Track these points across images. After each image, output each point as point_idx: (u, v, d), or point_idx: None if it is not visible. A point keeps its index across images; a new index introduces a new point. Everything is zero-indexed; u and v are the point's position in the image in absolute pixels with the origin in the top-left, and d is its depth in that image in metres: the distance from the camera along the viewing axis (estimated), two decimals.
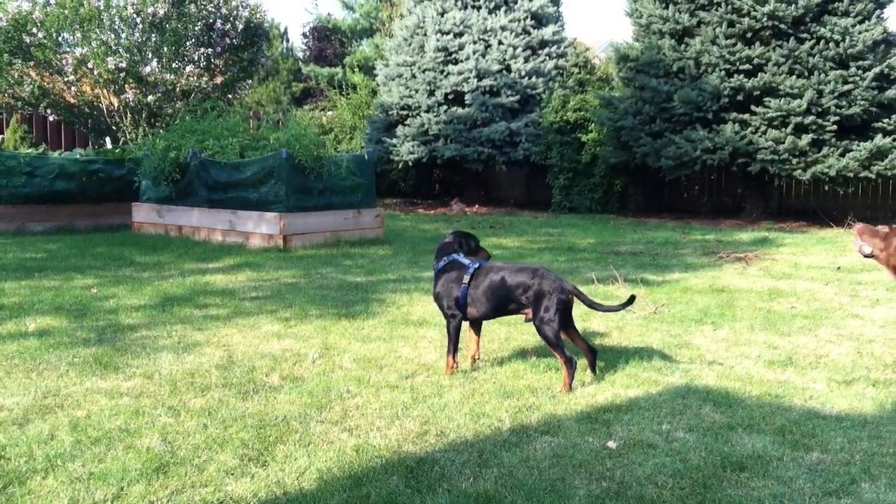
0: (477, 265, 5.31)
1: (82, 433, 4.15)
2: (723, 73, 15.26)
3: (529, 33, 19.25)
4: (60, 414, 4.45)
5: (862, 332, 6.54)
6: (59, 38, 17.33)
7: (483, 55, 18.77)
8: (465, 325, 5.45)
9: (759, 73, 14.95)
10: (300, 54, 32.51)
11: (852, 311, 7.31)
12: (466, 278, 5.24)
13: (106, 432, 4.18)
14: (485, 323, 5.59)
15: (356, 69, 27.40)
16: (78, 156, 14.16)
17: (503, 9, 19.25)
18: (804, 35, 14.92)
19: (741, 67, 15.15)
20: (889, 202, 16.79)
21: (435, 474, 3.71)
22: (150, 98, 17.55)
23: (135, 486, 3.56)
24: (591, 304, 5.18)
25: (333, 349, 5.89)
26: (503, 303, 5.20)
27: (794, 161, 14.79)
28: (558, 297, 4.98)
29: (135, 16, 16.98)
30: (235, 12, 18.56)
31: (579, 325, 6.10)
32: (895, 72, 14.97)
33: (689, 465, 3.82)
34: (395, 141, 19.46)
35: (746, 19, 15.01)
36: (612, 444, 4.06)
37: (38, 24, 16.64)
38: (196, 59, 18.58)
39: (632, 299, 5.24)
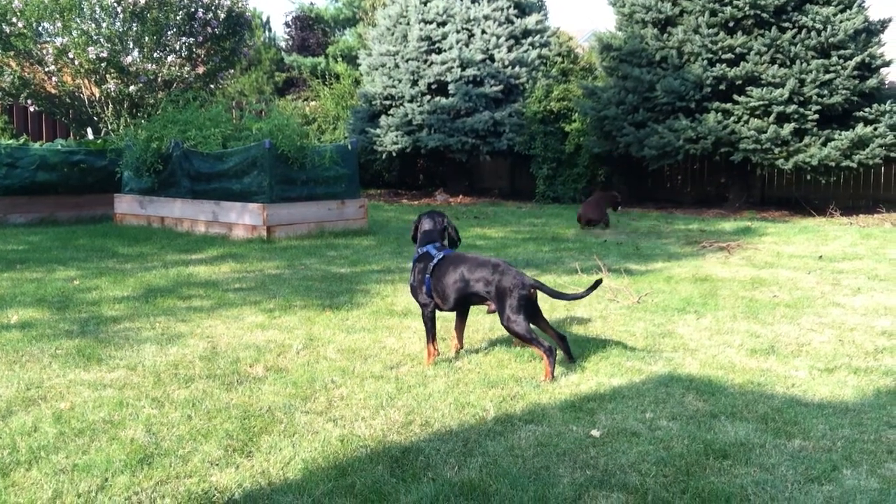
0: (441, 256, 5.31)
1: (66, 425, 4.14)
2: (705, 62, 15.30)
3: (513, 22, 19.23)
4: (44, 406, 4.44)
5: (843, 320, 6.59)
6: (40, 28, 17.15)
7: (466, 44, 18.74)
8: (451, 316, 5.46)
9: (742, 63, 15.00)
10: (283, 44, 32.34)
11: (834, 300, 7.36)
12: (430, 269, 5.26)
13: (90, 424, 4.17)
14: (469, 313, 5.59)
15: (339, 59, 27.30)
16: (59, 147, 14.07)
17: None
18: (786, 24, 14.97)
19: (723, 57, 15.19)
20: (870, 191, 16.90)
21: (420, 463, 3.72)
22: (131, 88, 17.41)
23: (119, 478, 3.56)
24: (555, 295, 5.19)
25: (318, 340, 5.89)
26: (465, 296, 5.23)
27: (777, 150, 14.86)
28: (520, 294, 4.99)
29: (115, 5, 16.83)
30: (217, 1, 18.43)
31: (562, 315, 6.11)
32: (876, 61, 15.07)
33: (673, 452, 3.85)
34: (378, 131, 19.42)
35: (729, 8, 15.05)
36: (595, 433, 4.08)
37: (18, 14, 16.48)
38: (178, 48, 18.44)
39: (597, 284, 5.27)
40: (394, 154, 19.59)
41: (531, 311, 5.09)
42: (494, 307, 5.11)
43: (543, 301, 5.70)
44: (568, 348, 5.27)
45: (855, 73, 14.73)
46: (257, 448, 3.90)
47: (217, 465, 3.71)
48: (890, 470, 3.69)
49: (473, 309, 5.64)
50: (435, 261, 5.30)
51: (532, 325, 5.09)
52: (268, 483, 3.54)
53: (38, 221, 13.18)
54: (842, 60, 14.67)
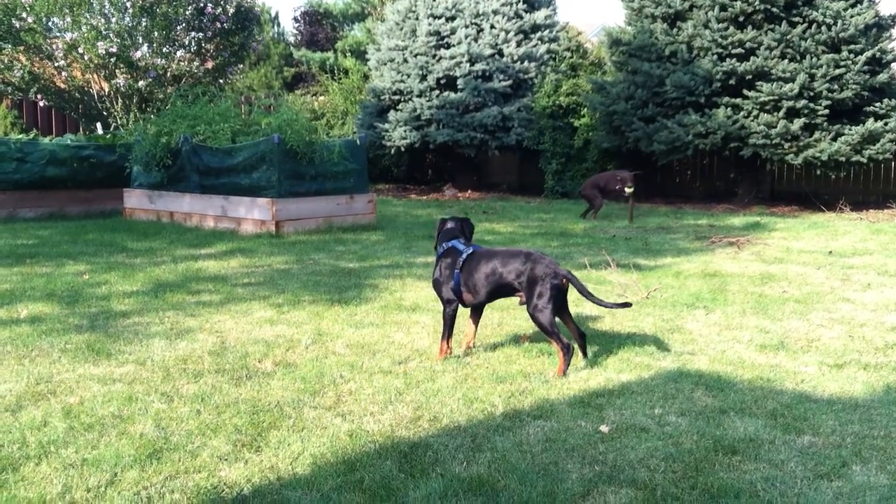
0: (470, 251, 5.31)
1: (75, 419, 4.15)
2: (715, 57, 15.24)
3: (521, 17, 19.18)
4: (53, 400, 4.45)
5: (853, 316, 6.57)
6: (49, 23, 17.19)
7: (475, 39, 18.70)
8: (465, 311, 5.45)
9: (752, 57, 14.93)
10: (291, 39, 32.35)
11: (843, 296, 7.33)
12: (459, 264, 5.25)
13: (99, 418, 4.18)
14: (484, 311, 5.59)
15: (348, 54, 27.29)
16: (69, 141, 14.10)
17: None
18: (796, 18, 14.90)
19: (733, 51, 15.13)
20: (881, 186, 16.83)
21: (428, 459, 3.73)
22: (140, 83, 17.45)
23: (128, 472, 3.57)
24: (585, 293, 5.12)
25: (326, 335, 5.89)
26: (497, 288, 5.21)
27: (787, 145, 14.80)
28: (552, 283, 4.97)
29: (125, 0, 16.87)
30: None
31: (572, 309, 6.11)
32: (887, 56, 15.00)
33: (682, 448, 3.84)
34: (387, 126, 19.41)
35: (738, 3, 14.99)
36: (604, 428, 4.08)
37: (28, 9, 16.51)
38: (187, 43, 18.46)
39: (627, 304, 5.27)
40: (402, 149, 19.58)
41: (560, 302, 5.06)
42: (526, 299, 5.10)
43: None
44: (584, 346, 5.26)
45: (865, 67, 14.66)
46: (266, 443, 3.91)
47: (226, 459, 3.72)
48: None
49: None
50: (464, 255, 5.29)
51: (557, 318, 5.08)
52: (276, 478, 3.55)
53: (48, 216, 13.21)
54: (852, 55, 14.60)
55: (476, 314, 5.49)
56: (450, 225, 5.59)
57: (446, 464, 3.68)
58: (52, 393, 4.57)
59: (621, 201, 14.92)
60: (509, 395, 4.58)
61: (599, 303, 5.21)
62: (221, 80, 19.66)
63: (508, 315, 6.41)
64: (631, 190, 13.26)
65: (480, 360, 5.27)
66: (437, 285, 5.41)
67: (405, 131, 19.07)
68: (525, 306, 5.13)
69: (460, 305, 5.35)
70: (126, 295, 7.20)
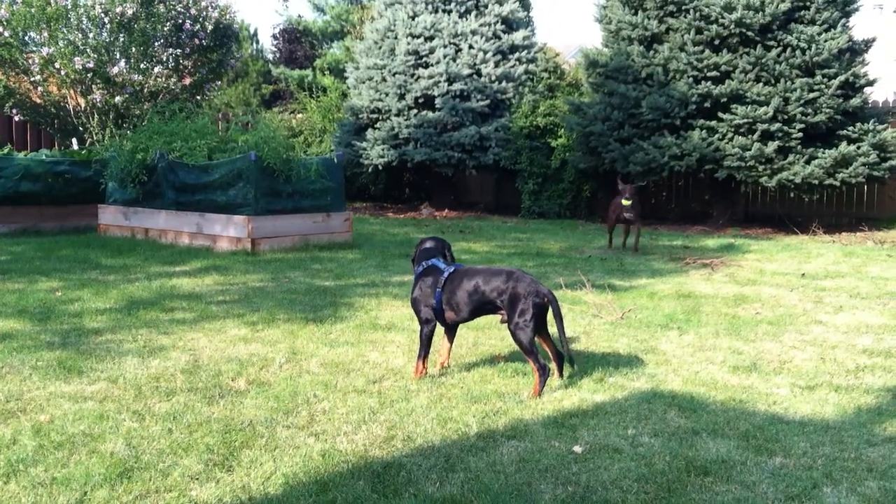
0: (452, 269, 5.32)
1: (45, 438, 4.11)
2: (690, 79, 15.38)
3: (500, 38, 19.29)
4: (23, 418, 4.40)
5: (825, 338, 6.62)
6: (26, 37, 17.10)
7: (454, 59, 18.78)
8: (440, 330, 5.45)
9: (727, 80, 15.09)
10: (270, 56, 32.35)
11: (816, 318, 7.39)
12: (441, 283, 5.25)
13: (69, 437, 4.14)
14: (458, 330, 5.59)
15: (326, 72, 27.32)
16: (44, 156, 14.00)
17: (474, 13, 19.26)
18: (771, 42, 15.08)
19: (709, 74, 15.28)
20: (853, 209, 17.01)
21: (401, 479, 3.72)
22: (117, 99, 17.37)
23: (98, 491, 3.53)
24: (559, 320, 5.07)
25: (301, 354, 5.87)
26: (480, 306, 5.21)
27: (761, 168, 14.94)
28: (534, 301, 4.98)
29: (103, 15, 16.79)
30: (205, 13, 18.41)
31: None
32: (860, 80, 15.18)
33: (654, 469, 3.85)
34: (364, 144, 19.42)
35: (714, 26, 15.15)
36: (577, 449, 4.09)
37: (4, 23, 16.42)
38: (164, 59, 18.41)
39: (571, 362, 5.27)
40: (380, 167, 19.58)
41: (540, 321, 5.08)
42: (507, 317, 5.11)
43: None
44: (561, 366, 5.26)
45: (839, 91, 14.84)
46: (238, 462, 3.88)
47: (197, 479, 3.69)
48: (869, 488, 3.71)
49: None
50: (446, 273, 5.29)
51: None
52: (248, 498, 3.52)
53: (21, 231, 13.10)
54: (826, 79, 14.77)
55: (451, 332, 5.49)
56: (429, 244, 5.59)
57: (419, 484, 3.67)
58: (21, 410, 4.53)
59: (597, 220, 14.81)
60: (483, 415, 4.58)
61: (562, 335, 5.12)
62: (199, 97, 19.60)
63: (484, 335, 6.42)
64: (629, 203, 11.51)
65: (455, 379, 5.26)
66: (416, 304, 5.39)
67: (383, 150, 19.09)
68: (506, 324, 5.14)
69: (438, 324, 5.36)
70: (99, 312, 7.14)
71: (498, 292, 5.09)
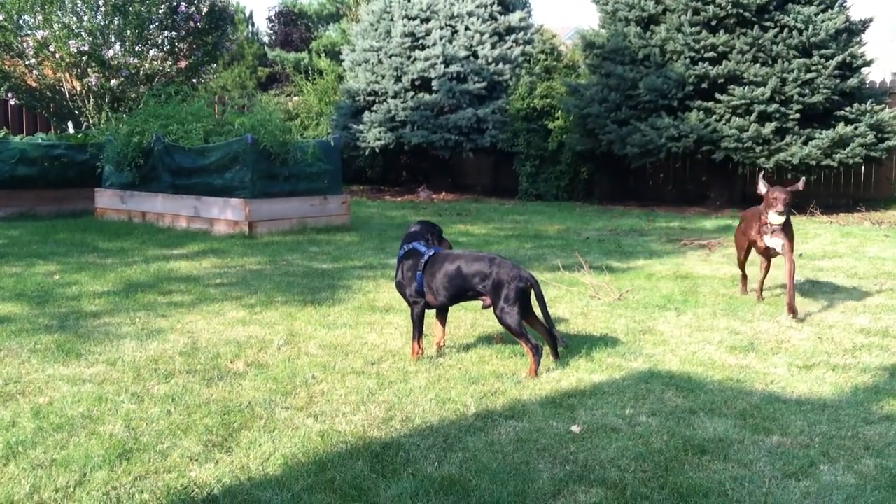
0: (432, 252, 5.32)
1: (44, 420, 4.12)
2: (688, 60, 15.33)
3: (496, 19, 19.20)
4: (22, 401, 4.41)
5: (822, 317, 6.64)
6: (20, 21, 17.02)
7: (450, 41, 18.71)
8: (431, 312, 5.46)
9: (724, 61, 15.04)
10: (266, 39, 32.20)
11: (813, 297, 7.40)
12: (421, 266, 5.26)
13: (68, 419, 4.15)
14: (451, 309, 5.59)
15: (322, 54, 27.19)
16: (40, 140, 13.96)
17: None
18: (768, 23, 15.03)
19: (706, 55, 15.22)
20: (850, 190, 17.00)
21: (400, 459, 3.73)
22: (113, 82, 17.29)
23: (98, 473, 3.55)
24: (543, 304, 5.12)
25: (299, 336, 5.88)
26: (460, 291, 5.23)
27: (758, 149, 14.92)
28: (517, 286, 5.00)
29: None
30: None
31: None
32: (857, 60, 15.14)
33: (652, 448, 3.87)
34: (361, 127, 19.37)
35: (711, 7, 15.09)
36: (575, 428, 4.10)
37: None
38: (160, 42, 18.31)
39: (564, 344, 5.33)
40: (377, 150, 19.53)
41: (525, 305, 5.10)
42: (489, 302, 5.12)
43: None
44: (555, 346, 5.27)
45: (836, 72, 14.80)
46: (237, 443, 3.89)
47: (196, 460, 3.71)
48: (866, 466, 3.73)
49: (456, 305, 5.62)
50: (426, 257, 5.29)
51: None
52: (247, 478, 3.54)
53: (18, 216, 13.08)
54: (823, 60, 14.73)
55: (442, 315, 5.51)
56: (413, 228, 5.60)
57: (418, 464, 3.68)
58: (20, 393, 4.54)
59: (594, 202, 14.72)
60: (482, 395, 4.59)
61: (546, 317, 5.18)
62: (195, 80, 19.51)
63: (482, 316, 6.42)
64: (780, 221, 7.22)
65: (453, 360, 5.28)
66: (400, 287, 5.44)
67: (380, 132, 19.04)
68: (490, 309, 5.16)
69: (429, 308, 5.38)
70: (97, 295, 7.15)
71: (480, 277, 5.10)
